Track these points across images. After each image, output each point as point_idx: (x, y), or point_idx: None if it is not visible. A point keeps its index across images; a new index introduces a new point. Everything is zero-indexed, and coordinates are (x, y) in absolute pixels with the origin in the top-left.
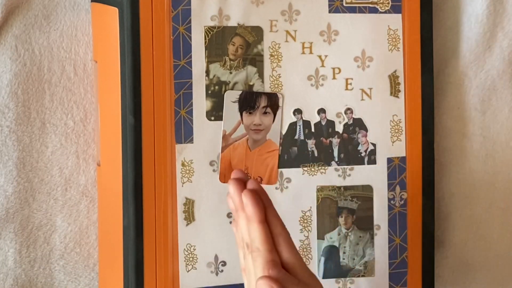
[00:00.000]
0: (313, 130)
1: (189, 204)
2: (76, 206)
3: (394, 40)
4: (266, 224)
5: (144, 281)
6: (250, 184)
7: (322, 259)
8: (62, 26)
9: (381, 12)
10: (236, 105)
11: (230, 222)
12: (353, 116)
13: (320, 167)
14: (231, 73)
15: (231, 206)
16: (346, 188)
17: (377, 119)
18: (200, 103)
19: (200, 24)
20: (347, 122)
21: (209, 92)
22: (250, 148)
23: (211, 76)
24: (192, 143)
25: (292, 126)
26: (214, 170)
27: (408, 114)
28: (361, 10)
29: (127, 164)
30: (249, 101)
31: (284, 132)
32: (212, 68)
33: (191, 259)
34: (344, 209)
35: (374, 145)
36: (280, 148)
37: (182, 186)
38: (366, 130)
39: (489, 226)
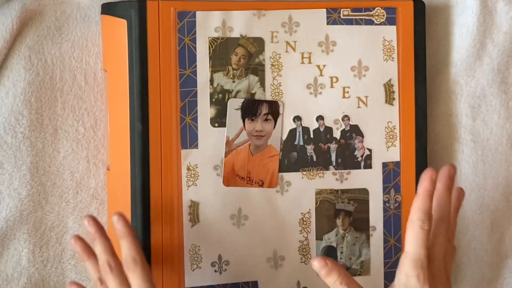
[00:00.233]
0: (312, 136)
1: (194, 207)
2: (87, 208)
3: (389, 50)
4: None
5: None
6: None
7: None
8: (73, 37)
9: (376, 24)
10: (239, 112)
11: (234, 224)
12: (350, 122)
13: (318, 171)
14: (234, 82)
15: (78, 248)
16: (343, 191)
17: (372, 125)
18: (205, 110)
19: (205, 35)
20: (344, 129)
21: (213, 100)
22: (252, 153)
23: (215, 85)
24: (197, 148)
25: (292, 132)
26: (218, 174)
27: (402, 120)
28: (357, 22)
29: (135, 168)
30: (251, 109)
31: (284, 138)
32: (216, 77)
33: (196, 258)
34: (342, 211)
35: (370, 150)
36: (281, 153)
37: (188, 189)
38: (362, 136)
39: (480, 227)
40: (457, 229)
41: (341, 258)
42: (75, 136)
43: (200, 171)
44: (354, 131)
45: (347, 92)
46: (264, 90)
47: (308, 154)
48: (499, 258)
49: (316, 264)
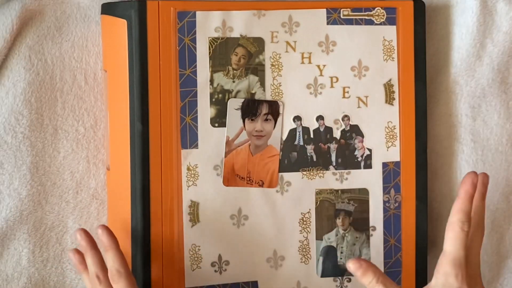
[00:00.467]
0: (312, 136)
1: (194, 207)
2: (87, 208)
3: (389, 50)
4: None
5: (151, 280)
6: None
7: (321, 259)
8: (73, 37)
9: (376, 24)
10: (239, 112)
11: (234, 223)
12: (350, 122)
13: (318, 171)
14: (234, 82)
15: (74, 261)
16: (344, 191)
17: (373, 125)
18: (205, 110)
19: (205, 35)
20: (344, 129)
21: (213, 100)
22: (252, 153)
23: (215, 85)
24: (197, 148)
25: (292, 132)
26: (218, 174)
27: (402, 120)
28: (357, 22)
29: (135, 168)
30: (251, 109)
31: (284, 138)
32: (216, 77)
33: (196, 258)
34: (342, 211)
35: (370, 150)
36: (281, 153)
37: (188, 189)
38: (363, 136)
39: None
40: None
41: (341, 258)
42: (75, 136)
43: (200, 171)
44: (354, 131)
45: (347, 92)
46: (264, 90)
47: (308, 154)
48: (499, 258)
49: (352, 266)
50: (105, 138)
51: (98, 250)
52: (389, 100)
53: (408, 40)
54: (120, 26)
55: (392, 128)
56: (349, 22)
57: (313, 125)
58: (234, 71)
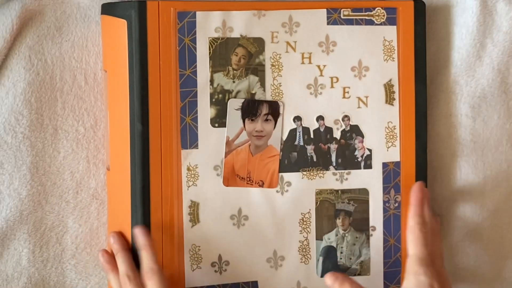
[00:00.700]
0: (312, 136)
1: (194, 207)
2: (87, 208)
3: (389, 50)
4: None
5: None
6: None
7: (321, 259)
8: (73, 37)
9: (376, 24)
10: (239, 113)
11: (234, 224)
12: (350, 123)
13: (318, 172)
14: (234, 82)
15: (103, 260)
16: (344, 191)
17: (373, 125)
18: (205, 110)
19: (205, 35)
20: (344, 129)
21: (213, 100)
22: (252, 153)
23: (215, 85)
24: (197, 148)
25: (292, 132)
26: (218, 174)
27: (403, 120)
28: (358, 22)
29: (135, 168)
30: (251, 109)
31: (284, 138)
32: (216, 77)
33: (196, 259)
34: (342, 211)
35: (370, 150)
36: (281, 153)
37: (188, 189)
38: (363, 136)
39: (479, 228)
40: (457, 229)
41: (341, 258)
42: (75, 136)
43: (200, 171)
44: (354, 131)
45: (347, 92)
46: (264, 90)
47: (308, 154)
48: (499, 258)
49: (328, 280)
50: (105, 138)
51: (129, 252)
52: (389, 100)
53: (409, 40)
54: (120, 26)
55: (392, 128)
56: (349, 22)
57: (313, 125)
58: (234, 71)
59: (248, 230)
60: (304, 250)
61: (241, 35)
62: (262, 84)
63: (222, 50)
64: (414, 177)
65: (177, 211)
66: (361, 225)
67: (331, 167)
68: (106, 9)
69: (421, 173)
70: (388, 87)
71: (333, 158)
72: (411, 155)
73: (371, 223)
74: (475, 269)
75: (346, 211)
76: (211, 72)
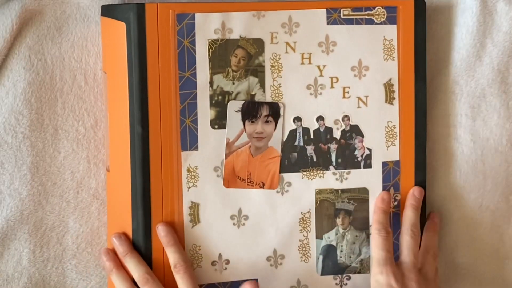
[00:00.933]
0: (312, 136)
1: (195, 207)
2: (87, 208)
3: (389, 50)
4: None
5: None
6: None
7: (321, 257)
8: (73, 37)
9: (377, 24)
10: (239, 114)
11: (234, 224)
12: (350, 122)
13: (318, 171)
14: (233, 83)
15: (107, 258)
16: (343, 190)
17: (372, 125)
18: (204, 112)
19: (204, 37)
20: (344, 129)
21: (213, 102)
22: (252, 155)
23: (214, 87)
24: (197, 150)
25: (292, 133)
26: (218, 176)
27: (402, 120)
28: (358, 22)
29: (136, 170)
30: (251, 111)
31: (284, 138)
32: (215, 79)
33: (196, 258)
34: (342, 211)
35: (370, 150)
36: (281, 153)
37: (188, 190)
38: (362, 136)
39: (479, 227)
40: (457, 229)
41: (340, 257)
42: (76, 136)
43: (200, 172)
44: (354, 131)
45: (347, 92)
46: (264, 91)
47: (308, 154)
48: (499, 258)
49: None
50: (105, 139)
51: (137, 252)
52: (389, 99)
53: (409, 40)
54: (119, 29)
55: (392, 128)
56: (349, 21)
57: (313, 125)
58: (234, 73)
59: (248, 230)
60: (304, 249)
61: (240, 36)
62: (262, 85)
63: (221, 51)
64: (413, 176)
65: (178, 211)
66: (361, 224)
67: (331, 167)
68: (106, 11)
69: (421, 172)
70: (388, 86)
71: (333, 158)
72: (410, 154)
73: (371, 222)
74: (475, 269)
75: (346, 210)
76: (210, 74)
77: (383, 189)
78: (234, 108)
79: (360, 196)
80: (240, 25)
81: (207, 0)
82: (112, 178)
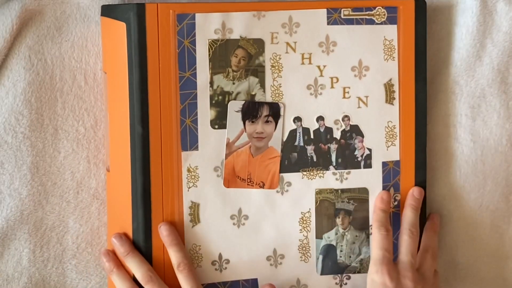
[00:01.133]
0: (312, 136)
1: (195, 207)
2: (88, 208)
3: (389, 50)
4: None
5: None
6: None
7: (320, 257)
8: (73, 37)
9: (377, 24)
10: (239, 114)
11: (234, 223)
12: (350, 123)
13: (318, 171)
14: (234, 83)
15: (107, 258)
16: (343, 190)
17: (373, 125)
18: (205, 112)
19: (204, 37)
20: (344, 129)
21: (213, 102)
22: (252, 155)
23: (215, 87)
24: (197, 150)
25: (292, 133)
26: (218, 176)
27: (402, 120)
28: (358, 22)
29: (136, 170)
30: (251, 111)
31: (284, 138)
32: (216, 79)
33: (196, 258)
34: (341, 211)
35: (370, 150)
36: (281, 153)
37: (188, 190)
38: (363, 136)
39: (479, 227)
40: (457, 229)
41: (340, 257)
42: (76, 136)
43: (201, 172)
44: (354, 131)
45: (347, 92)
46: (264, 91)
47: (309, 154)
48: (499, 258)
49: None
50: (105, 139)
51: (138, 252)
52: (389, 100)
53: (409, 40)
54: (119, 29)
55: (392, 128)
56: (349, 22)
57: (313, 125)
58: (234, 73)
59: (248, 229)
60: (304, 248)
61: (240, 37)
62: (262, 85)
63: (221, 51)
64: (413, 176)
65: (178, 211)
66: (361, 223)
67: (331, 167)
68: (106, 11)
69: (421, 172)
70: (388, 86)
71: (333, 158)
72: (410, 154)
73: (371, 222)
74: (475, 269)
75: (346, 210)
76: (210, 74)
77: (383, 189)
78: (234, 108)
79: (360, 196)
80: (240, 25)
81: (207, 0)
82: (112, 178)
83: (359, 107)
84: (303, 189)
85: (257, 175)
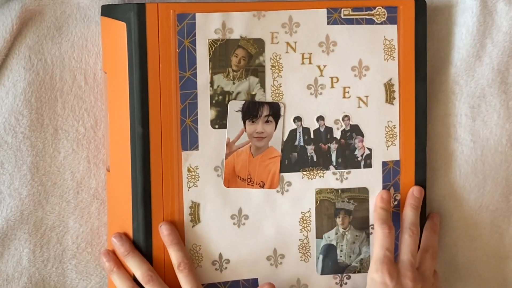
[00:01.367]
0: (312, 136)
1: (195, 207)
2: (87, 208)
3: (389, 50)
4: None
5: None
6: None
7: (321, 256)
8: (73, 37)
9: (377, 24)
10: (240, 114)
11: (234, 223)
12: (350, 122)
13: (319, 171)
14: (234, 83)
15: (107, 258)
16: (344, 190)
17: (373, 125)
18: (205, 112)
19: (204, 37)
20: (344, 129)
21: (213, 101)
22: (253, 154)
23: (215, 87)
24: (197, 150)
25: (293, 132)
26: (218, 175)
27: (402, 120)
28: (358, 22)
29: (136, 170)
30: (252, 111)
31: (285, 138)
32: (216, 79)
33: (196, 258)
34: (342, 210)
35: (370, 149)
36: (281, 153)
37: (188, 190)
38: (363, 136)
39: (479, 227)
40: (457, 229)
41: (340, 256)
42: (76, 136)
43: (201, 172)
44: (354, 131)
45: (348, 92)
46: (264, 91)
47: (309, 154)
48: (499, 258)
49: None
50: (105, 139)
51: (138, 252)
52: (389, 99)
53: (409, 40)
54: (119, 29)
55: (392, 128)
56: (349, 21)
57: (313, 125)
58: (234, 73)
59: (249, 229)
60: (304, 248)
61: (241, 36)
62: (262, 85)
63: (222, 51)
64: (413, 176)
65: (178, 211)
66: (361, 223)
67: (331, 166)
68: (106, 11)
69: (421, 172)
70: (388, 86)
71: (333, 158)
72: (410, 154)
73: (371, 222)
74: (475, 269)
75: (346, 210)
76: (211, 74)
77: (383, 189)
78: (234, 108)
79: (360, 195)
80: (240, 25)
81: (207, 0)
82: (113, 178)
83: (359, 107)
84: (303, 188)
85: (257, 175)
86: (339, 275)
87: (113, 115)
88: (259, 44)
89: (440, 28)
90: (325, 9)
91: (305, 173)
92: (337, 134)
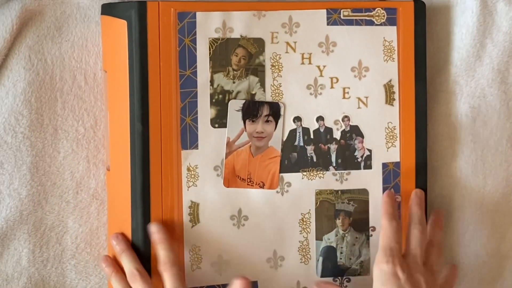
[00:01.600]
0: (312, 136)
1: (194, 207)
2: (87, 208)
3: (389, 51)
4: None
5: (152, 280)
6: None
7: (320, 259)
8: (73, 37)
9: (377, 25)
10: (240, 114)
11: (234, 224)
12: (350, 123)
13: (318, 172)
14: (234, 82)
15: (106, 263)
16: (343, 191)
17: (373, 126)
18: (205, 111)
19: (205, 36)
20: (344, 129)
21: (213, 100)
22: (252, 154)
23: (215, 86)
24: (197, 149)
25: (292, 133)
26: (218, 175)
27: (402, 121)
28: (358, 23)
29: (136, 169)
30: (252, 110)
31: (284, 138)
32: (216, 78)
33: (196, 259)
34: (341, 212)
35: (370, 151)
36: (281, 153)
37: (188, 190)
38: (363, 137)
39: (479, 228)
40: (457, 230)
41: (340, 258)
42: (75, 136)
43: (200, 172)
44: (354, 132)
45: (347, 92)
46: (264, 90)
47: (308, 154)
48: (499, 258)
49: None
50: (105, 138)
51: (133, 250)
52: (389, 100)
53: (409, 41)
54: (120, 27)
55: (392, 129)
56: (349, 22)
57: (313, 125)
58: (234, 72)
59: (248, 231)
60: (304, 250)
61: (241, 36)
62: (262, 85)
63: (222, 50)
64: (413, 177)
65: (177, 211)
66: (361, 225)
67: (331, 167)
68: (106, 10)
69: (421, 174)
70: (388, 87)
71: (333, 159)
72: (411, 155)
73: (371, 224)
74: (475, 269)
75: (346, 212)
76: (211, 73)
77: (383, 191)
78: (234, 107)
79: (360, 197)
80: (240, 24)
81: None
82: (112, 177)
83: (359, 107)
84: (303, 189)
85: (257, 175)
86: (339, 278)
87: (113, 113)
88: (259, 43)
89: (440, 28)
90: (325, 10)
91: (305, 173)
92: (337, 134)
